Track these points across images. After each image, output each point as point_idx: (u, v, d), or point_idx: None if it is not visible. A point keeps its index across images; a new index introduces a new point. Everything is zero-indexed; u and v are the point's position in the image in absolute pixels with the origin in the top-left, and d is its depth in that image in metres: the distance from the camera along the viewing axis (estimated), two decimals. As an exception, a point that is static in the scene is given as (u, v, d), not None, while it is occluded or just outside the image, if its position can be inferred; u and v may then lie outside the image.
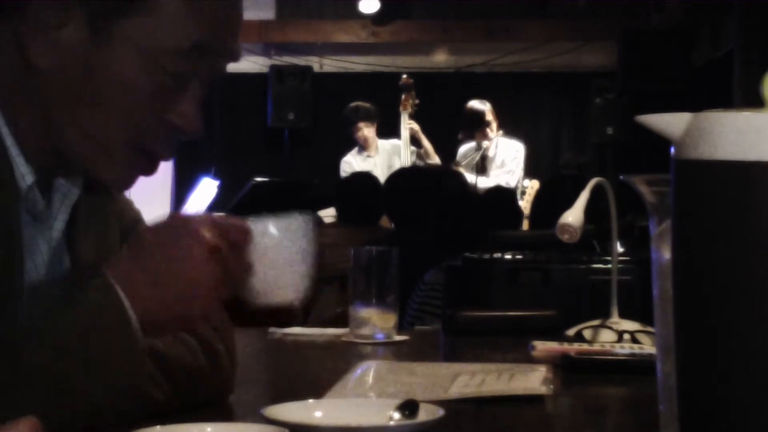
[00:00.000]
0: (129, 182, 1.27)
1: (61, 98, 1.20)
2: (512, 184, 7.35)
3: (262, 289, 1.24)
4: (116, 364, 1.14)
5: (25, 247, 1.22)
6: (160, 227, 1.22)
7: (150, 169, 1.26)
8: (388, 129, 7.87)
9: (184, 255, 1.17)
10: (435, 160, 7.71)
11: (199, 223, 1.20)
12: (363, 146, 7.77)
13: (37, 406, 1.04)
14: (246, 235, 1.22)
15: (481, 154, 7.48)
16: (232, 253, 1.20)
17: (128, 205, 1.45)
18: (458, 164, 7.40)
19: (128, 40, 1.19)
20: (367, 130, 7.75)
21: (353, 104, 7.87)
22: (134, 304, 1.14)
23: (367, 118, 7.76)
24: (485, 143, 7.52)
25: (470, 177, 7.31)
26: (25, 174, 1.21)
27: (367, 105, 7.84)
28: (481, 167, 7.48)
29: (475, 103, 7.64)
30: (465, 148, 7.58)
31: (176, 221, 1.22)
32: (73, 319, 1.13)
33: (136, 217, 1.47)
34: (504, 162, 7.54)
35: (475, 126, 7.57)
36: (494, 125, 7.54)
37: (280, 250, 1.25)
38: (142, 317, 1.15)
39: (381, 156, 7.71)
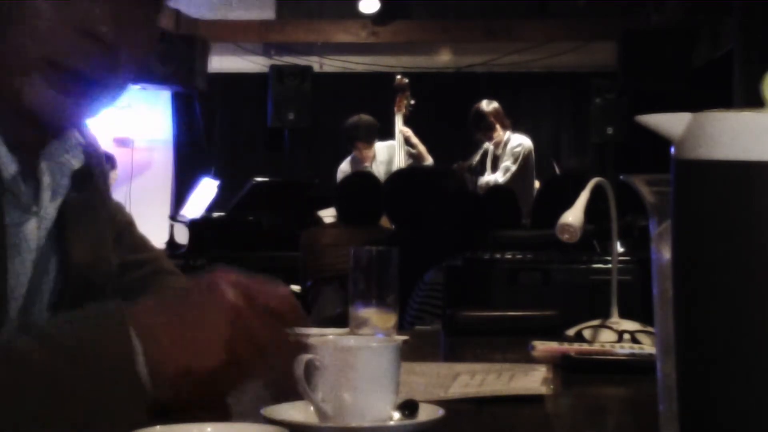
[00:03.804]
0: (57, 106, 1.17)
1: None
2: (500, 180, 7.30)
3: (334, 413, 1.15)
4: (116, 399, 1.07)
5: (11, 243, 1.18)
6: (192, 282, 1.17)
7: (75, 90, 1.17)
8: (387, 129, 7.84)
9: (203, 311, 1.11)
10: (429, 161, 7.67)
11: (229, 282, 1.14)
12: (360, 160, 7.69)
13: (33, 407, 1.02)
14: (283, 301, 1.15)
15: (490, 154, 7.48)
16: (264, 320, 1.14)
17: (119, 209, 1.43)
18: (461, 165, 7.39)
19: None
20: (365, 150, 7.62)
21: (354, 119, 7.62)
22: (144, 339, 1.08)
23: (367, 137, 7.57)
24: (486, 144, 7.53)
25: (481, 178, 7.33)
26: (8, 163, 1.17)
27: (369, 120, 7.62)
28: (492, 167, 7.48)
29: (480, 104, 7.61)
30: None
31: (208, 278, 1.16)
32: (78, 337, 1.07)
33: (128, 220, 1.46)
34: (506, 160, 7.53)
35: (476, 126, 7.57)
36: (498, 126, 7.50)
37: (358, 375, 1.15)
38: (151, 357, 1.08)
39: (376, 165, 7.62)
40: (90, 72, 1.16)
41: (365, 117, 7.66)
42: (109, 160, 8.61)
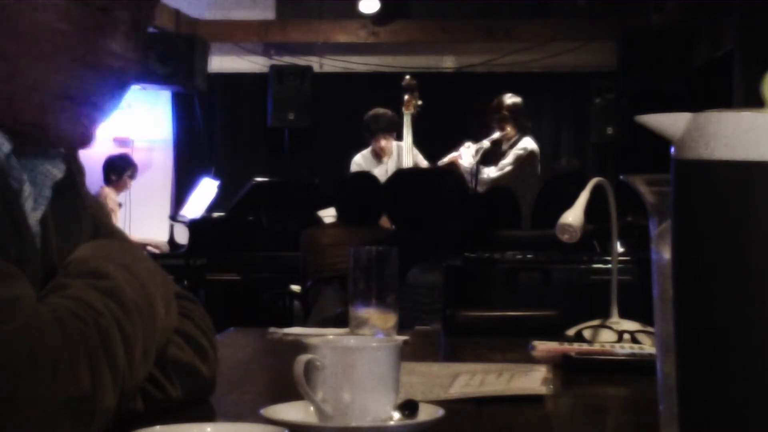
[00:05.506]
0: (81, 137, 1.19)
1: None
2: (492, 175, 7.30)
3: (334, 413, 1.16)
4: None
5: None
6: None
7: (96, 119, 1.19)
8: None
9: None
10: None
11: None
12: (378, 155, 7.64)
13: None
14: None
15: (496, 146, 7.47)
16: None
17: (99, 206, 1.39)
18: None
19: None
20: (385, 141, 7.59)
21: (373, 112, 7.59)
22: None
23: (388, 129, 7.53)
24: (497, 134, 7.46)
25: (486, 170, 7.33)
26: (1, 143, 1.14)
27: (388, 113, 7.59)
28: (495, 162, 7.47)
29: (504, 95, 7.55)
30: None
31: None
32: None
33: (104, 220, 1.41)
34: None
35: (491, 116, 7.52)
36: (510, 123, 7.47)
37: (360, 374, 1.16)
38: None
39: (391, 162, 7.58)
40: (104, 102, 1.18)
41: (385, 110, 7.65)
42: (131, 166, 8.58)
